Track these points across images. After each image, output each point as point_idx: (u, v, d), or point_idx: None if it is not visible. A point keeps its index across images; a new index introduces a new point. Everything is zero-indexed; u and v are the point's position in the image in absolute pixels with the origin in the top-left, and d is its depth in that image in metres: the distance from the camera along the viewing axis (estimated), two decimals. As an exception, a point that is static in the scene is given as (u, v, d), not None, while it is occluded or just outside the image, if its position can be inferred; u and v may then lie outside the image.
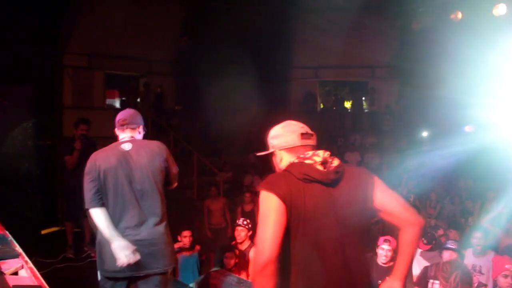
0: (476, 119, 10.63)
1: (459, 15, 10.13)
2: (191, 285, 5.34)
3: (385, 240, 4.94)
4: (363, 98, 15.79)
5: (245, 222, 6.09)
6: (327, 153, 2.41)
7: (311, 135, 2.52)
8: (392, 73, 14.27)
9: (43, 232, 7.78)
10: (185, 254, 6.16)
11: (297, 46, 14.74)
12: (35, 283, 2.63)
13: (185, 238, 6.13)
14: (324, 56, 14.18)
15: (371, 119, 14.35)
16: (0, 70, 7.51)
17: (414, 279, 5.18)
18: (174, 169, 3.82)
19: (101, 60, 11.95)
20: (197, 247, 6.37)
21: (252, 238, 6.23)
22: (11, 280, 2.60)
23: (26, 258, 3.04)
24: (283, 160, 2.48)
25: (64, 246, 7.12)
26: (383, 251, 4.84)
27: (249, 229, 6.07)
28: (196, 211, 9.62)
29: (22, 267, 2.90)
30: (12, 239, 3.47)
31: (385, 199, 2.40)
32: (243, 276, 5.46)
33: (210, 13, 12.82)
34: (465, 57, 9.89)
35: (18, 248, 3.23)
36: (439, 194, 9.99)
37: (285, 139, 2.48)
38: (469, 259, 5.96)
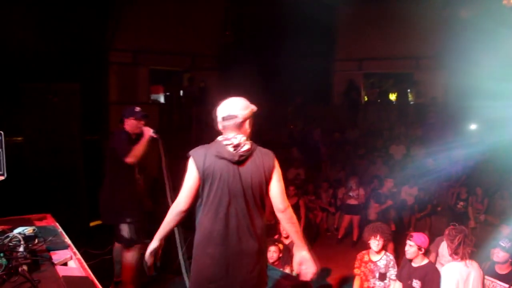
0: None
1: (512, 1, 9.74)
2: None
3: (409, 236, 4.83)
4: (408, 90, 15.45)
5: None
6: (242, 139, 3.00)
7: (232, 116, 3.04)
8: (438, 64, 13.90)
9: (91, 224, 7.99)
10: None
11: (340, 38, 14.59)
12: (83, 274, 2.70)
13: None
14: (367, 47, 13.98)
15: (416, 111, 14.03)
16: (49, 68, 7.75)
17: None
18: None
19: (145, 56, 12.13)
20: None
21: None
22: (61, 271, 2.67)
23: (75, 250, 3.12)
24: (221, 130, 3.13)
25: (112, 238, 7.28)
26: (407, 246, 4.74)
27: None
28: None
29: (71, 258, 2.98)
30: (62, 230, 3.57)
31: (273, 184, 3.10)
32: (287, 270, 5.45)
33: (253, 6, 12.82)
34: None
35: (68, 240, 3.32)
36: (488, 188, 9.68)
37: (219, 124, 3.11)
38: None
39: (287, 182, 10.35)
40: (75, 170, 6.17)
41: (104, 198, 5.00)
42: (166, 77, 13.84)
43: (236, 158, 2.97)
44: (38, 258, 2.68)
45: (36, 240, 3.02)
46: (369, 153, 12.15)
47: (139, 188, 5.01)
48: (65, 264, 2.92)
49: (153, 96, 13.87)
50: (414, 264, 4.76)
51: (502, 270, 4.73)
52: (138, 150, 4.68)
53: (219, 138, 3.06)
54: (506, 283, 4.63)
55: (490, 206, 9.22)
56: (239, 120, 3.04)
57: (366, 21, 13.40)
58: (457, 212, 9.22)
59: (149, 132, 4.76)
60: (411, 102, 15.04)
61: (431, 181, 10.57)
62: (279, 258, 5.57)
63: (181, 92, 13.13)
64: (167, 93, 13.77)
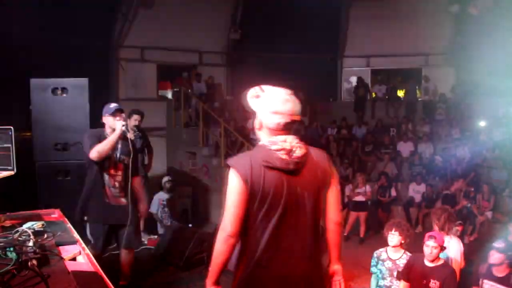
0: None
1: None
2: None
3: (430, 237, 4.76)
4: (417, 87, 15.39)
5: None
6: (295, 141, 2.46)
7: (294, 122, 2.49)
8: (446, 61, 13.84)
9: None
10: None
11: (348, 34, 14.55)
12: (92, 269, 2.72)
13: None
14: (375, 44, 13.93)
15: (424, 108, 13.97)
16: (58, 64, 7.79)
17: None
18: None
19: (154, 53, 12.17)
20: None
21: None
22: (70, 266, 2.69)
23: (83, 245, 3.14)
24: (262, 130, 2.54)
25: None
26: (428, 248, 4.66)
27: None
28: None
29: (80, 253, 3.00)
30: (71, 226, 3.59)
31: (330, 192, 2.61)
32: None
33: (261, 3, 12.80)
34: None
35: (76, 235, 3.35)
36: (497, 186, 9.63)
37: (269, 119, 2.48)
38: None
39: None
40: (84, 166, 6.17)
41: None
42: (175, 73, 13.86)
43: (292, 167, 2.42)
44: (47, 253, 2.70)
45: (45, 235, 3.05)
46: (377, 149, 12.12)
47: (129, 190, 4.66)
48: (74, 259, 2.94)
49: (161, 92, 13.89)
50: (430, 264, 4.68)
51: (499, 272, 4.68)
52: (102, 145, 4.48)
53: (263, 142, 2.49)
54: (507, 286, 4.59)
55: (498, 203, 9.17)
56: (289, 120, 2.47)
57: (374, 17, 13.35)
58: (464, 210, 9.19)
59: (119, 126, 4.54)
60: (419, 99, 14.97)
61: (439, 178, 10.55)
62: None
63: (189, 88, 13.13)
64: (175, 89, 13.80)
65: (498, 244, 4.70)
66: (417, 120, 13.26)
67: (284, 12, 12.50)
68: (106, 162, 4.67)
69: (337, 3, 13.79)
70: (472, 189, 9.29)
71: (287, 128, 2.47)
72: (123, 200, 4.77)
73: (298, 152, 2.46)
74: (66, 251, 2.96)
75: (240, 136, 10.90)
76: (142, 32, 11.49)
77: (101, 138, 4.60)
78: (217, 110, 12.32)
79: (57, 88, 5.63)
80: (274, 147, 2.43)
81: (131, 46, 11.67)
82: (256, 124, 2.56)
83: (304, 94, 13.31)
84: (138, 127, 7.20)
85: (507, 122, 11.63)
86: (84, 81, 5.79)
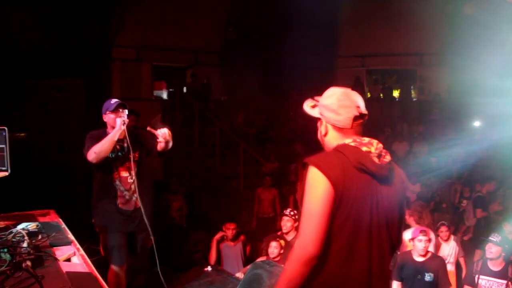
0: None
1: (514, -2, 9.71)
2: (237, 274, 5.40)
3: (421, 231, 4.82)
4: (412, 87, 15.43)
5: (292, 213, 6.07)
6: (380, 145, 2.16)
7: (364, 115, 2.23)
8: (441, 61, 13.88)
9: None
10: (229, 244, 6.22)
11: (343, 34, 14.57)
12: (86, 269, 2.72)
13: (228, 230, 6.17)
14: (371, 44, 13.96)
15: (419, 108, 14.01)
16: (53, 65, 7.77)
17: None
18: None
19: (149, 52, 12.16)
20: (242, 237, 6.42)
21: (298, 228, 6.23)
22: (65, 266, 2.69)
23: (78, 245, 3.14)
24: (329, 134, 2.24)
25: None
26: (422, 242, 4.72)
27: (295, 220, 6.05)
28: (242, 201, 9.70)
29: (74, 254, 3.00)
30: (65, 226, 3.59)
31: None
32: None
33: (256, 2, 12.81)
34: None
35: (71, 236, 3.34)
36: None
37: (336, 117, 2.18)
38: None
39: (293, 177, 10.40)
40: (79, 166, 6.18)
41: None
42: (170, 73, 13.85)
43: (385, 172, 2.12)
44: (42, 253, 2.70)
45: (40, 236, 3.04)
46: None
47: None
48: (68, 260, 2.94)
49: (156, 92, 13.88)
50: (419, 259, 4.74)
51: (496, 266, 4.72)
52: (99, 146, 4.00)
53: (348, 141, 2.15)
54: (503, 279, 4.63)
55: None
56: (357, 113, 2.22)
57: (369, 17, 13.38)
58: (460, 209, 9.22)
59: (118, 122, 4.06)
60: (414, 99, 15.02)
61: (434, 178, 10.57)
62: (280, 254, 5.59)
63: (184, 88, 13.14)
64: (170, 89, 13.78)
65: (495, 237, 4.75)
66: (412, 120, 13.30)
67: (280, 12, 12.51)
68: (117, 163, 4.27)
69: (332, 3, 13.80)
70: (468, 190, 9.33)
71: (358, 124, 2.21)
72: (137, 202, 4.33)
73: (387, 157, 2.16)
74: (61, 252, 2.95)
75: (235, 136, 10.91)
76: (137, 32, 11.47)
77: (101, 139, 4.11)
78: (212, 110, 12.33)
79: (52, 89, 5.63)
80: (364, 148, 2.10)
81: (126, 46, 11.65)
82: (322, 129, 2.27)
83: (293, 93, 13.40)
84: (134, 128, 7.20)
85: (502, 122, 11.67)
86: (79, 82, 5.79)
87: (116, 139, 4.10)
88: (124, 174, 4.33)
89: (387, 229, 2.12)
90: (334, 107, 2.19)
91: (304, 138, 12.70)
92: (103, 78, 11.23)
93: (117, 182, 4.30)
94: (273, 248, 5.55)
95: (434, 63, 14.09)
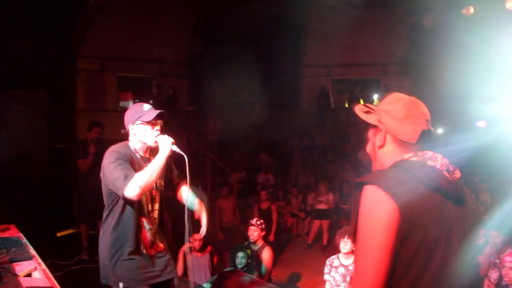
0: (488, 114, 10.55)
1: (471, 10, 10.05)
2: (204, 285, 5.36)
3: None
4: (376, 96, 15.71)
5: (258, 222, 6.09)
6: (445, 160, 1.77)
7: (432, 133, 1.86)
8: (404, 70, 14.19)
9: (58, 234, 7.87)
10: (196, 255, 6.18)
11: (309, 44, 14.73)
12: (48, 284, 2.67)
13: (195, 241, 6.14)
14: (336, 54, 14.14)
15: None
16: (14, 75, 7.61)
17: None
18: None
19: (113, 63, 12.02)
20: (209, 248, 6.39)
21: (265, 238, 6.25)
22: (25, 282, 2.63)
23: (40, 260, 3.08)
24: (386, 146, 1.86)
25: (79, 248, 7.20)
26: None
27: (262, 229, 6.07)
28: (210, 212, 9.65)
29: (36, 269, 2.94)
30: (27, 241, 3.51)
31: None
32: (255, 275, 5.47)
33: (221, 13, 12.86)
34: (477, 52, 9.79)
35: (32, 251, 3.28)
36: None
37: (402, 127, 1.80)
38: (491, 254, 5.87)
39: (258, 186, 10.44)
40: (42, 179, 6.09)
41: None
42: (135, 84, 13.73)
43: (458, 190, 1.75)
44: (0, 269, 2.63)
45: (-1, 252, 2.97)
46: (338, 158, 12.29)
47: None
48: (29, 275, 2.87)
49: (122, 103, 13.74)
50: None
51: None
52: (145, 177, 3.00)
53: (408, 156, 1.77)
54: None
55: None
56: (425, 127, 1.85)
57: (335, 27, 13.57)
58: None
59: (167, 143, 3.17)
60: (378, 107, 15.25)
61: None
62: (247, 264, 5.59)
63: (151, 99, 13.05)
64: (136, 100, 13.66)
65: None
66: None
67: (245, 24, 12.57)
68: (143, 196, 3.25)
69: (298, 14, 13.96)
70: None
71: (424, 140, 1.81)
72: (160, 245, 3.45)
73: (458, 173, 1.77)
74: (21, 267, 2.89)
75: (202, 147, 10.89)
76: (101, 43, 11.33)
77: (132, 161, 3.22)
78: (179, 121, 12.28)
79: (13, 100, 5.50)
80: (431, 163, 1.71)
81: (90, 57, 11.50)
82: (378, 140, 1.90)
83: (257, 104, 13.47)
84: (98, 139, 7.13)
85: (465, 129, 11.99)
86: (41, 93, 5.69)
87: (163, 166, 3.14)
88: (151, 208, 3.38)
89: (458, 256, 1.68)
90: (400, 116, 1.81)
91: (269, 148, 12.80)
92: (66, 89, 11.05)
93: (144, 220, 3.32)
94: (240, 258, 5.54)
95: (396, 72, 14.38)
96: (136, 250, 3.25)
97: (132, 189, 2.95)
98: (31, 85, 5.73)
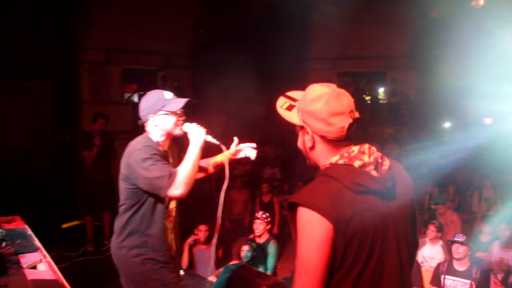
0: (495, 110, 10.46)
1: (481, 1, 9.93)
2: (209, 278, 5.35)
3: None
4: (382, 89, 15.63)
5: (264, 216, 6.07)
6: (373, 149, 1.76)
7: (357, 122, 1.79)
8: (411, 63, 14.09)
9: (63, 226, 7.88)
10: (201, 247, 6.17)
11: (315, 37, 14.66)
12: (53, 277, 2.65)
13: (201, 232, 6.11)
14: (342, 47, 14.07)
15: (389, 110, 14.18)
16: (20, 67, 7.60)
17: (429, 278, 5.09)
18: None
19: (118, 55, 12.00)
20: (214, 240, 6.36)
21: (270, 231, 6.23)
22: (30, 274, 2.62)
23: (45, 252, 3.06)
24: (317, 148, 1.79)
25: (85, 240, 7.21)
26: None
27: (268, 223, 6.05)
28: (215, 204, 9.64)
29: (41, 261, 2.92)
30: (32, 233, 3.50)
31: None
32: (260, 269, 5.45)
33: (225, 6, 12.79)
34: (486, 46, 9.68)
35: (37, 242, 3.26)
36: (461, 185, 9.85)
37: (327, 127, 1.73)
38: (496, 252, 5.84)
39: (263, 180, 10.41)
40: (47, 171, 6.09)
41: None
42: (140, 76, 13.71)
43: (388, 185, 1.71)
44: (5, 261, 2.61)
45: (4, 243, 2.95)
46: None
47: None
48: (34, 267, 2.86)
49: (127, 96, 13.73)
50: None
51: (461, 266, 4.78)
52: (187, 172, 2.75)
53: (335, 159, 1.74)
54: (467, 279, 4.68)
55: (462, 203, 9.37)
56: (351, 120, 1.77)
57: (340, 21, 13.48)
58: (430, 211, 9.36)
59: (200, 133, 2.92)
60: (384, 101, 15.19)
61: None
62: (253, 258, 5.57)
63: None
64: (141, 92, 13.64)
65: (460, 237, 4.81)
66: (382, 122, 13.44)
67: (251, 15, 12.51)
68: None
69: (303, 6, 13.88)
70: (437, 191, 9.47)
71: (352, 132, 1.76)
72: (173, 245, 3.16)
73: (386, 163, 1.74)
74: (26, 259, 2.88)
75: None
76: (106, 35, 11.30)
77: (163, 156, 2.93)
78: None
79: (18, 92, 5.48)
80: (357, 163, 1.68)
81: (95, 49, 11.48)
82: (307, 141, 1.81)
83: (270, 96, 13.46)
84: (103, 131, 7.11)
85: (470, 123, 11.92)
86: (46, 85, 5.66)
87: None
88: (169, 205, 3.08)
89: (406, 243, 1.75)
90: (324, 116, 1.72)
91: (274, 141, 12.76)
92: (71, 81, 11.04)
93: (166, 220, 3.03)
94: (246, 252, 5.53)
95: (404, 65, 14.30)
96: (170, 255, 3.02)
97: (179, 187, 2.66)
98: (36, 77, 5.71)
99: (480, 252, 6.08)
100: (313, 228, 1.60)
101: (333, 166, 1.72)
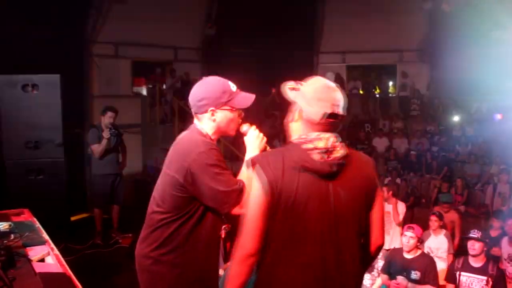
0: (508, 105, 10.36)
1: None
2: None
3: (409, 227, 4.86)
4: (391, 83, 15.53)
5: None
6: (332, 139, 1.97)
7: (338, 116, 2.01)
8: (421, 57, 13.99)
9: (72, 218, 7.92)
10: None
11: (324, 30, 14.59)
12: (60, 270, 2.66)
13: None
14: (351, 40, 13.99)
15: (399, 104, 14.10)
16: (30, 60, 7.63)
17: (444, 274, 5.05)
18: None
19: (128, 48, 12.03)
20: (222, 234, 6.36)
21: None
22: (37, 267, 2.63)
23: (52, 245, 3.07)
24: (296, 122, 2.06)
25: (93, 233, 7.25)
26: (406, 237, 4.75)
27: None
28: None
29: (48, 254, 2.93)
30: (40, 226, 3.51)
31: (375, 210, 2.11)
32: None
33: (236, -1, 12.77)
34: (498, 40, 9.58)
35: (45, 235, 3.26)
36: (470, 180, 9.80)
37: (308, 107, 2.00)
38: (505, 248, 5.80)
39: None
40: (56, 164, 6.11)
41: None
42: (149, 70, 13.73)
43: (327, 169, 1.93)
44: (14, 254, 2.63)
45: (12, 236, 2.97)
46: (352, 145, 12.19)
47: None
48: (42, 260, 2.87)
49: (136, 89, 13.76)
50: (408, 256, 4.76)
51: (477, 262, 4.73)
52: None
53: (295, 139, 2.02)
54: (484, 275, 4.64)
55: (470, 197, 9.31)
56: (340, 111, 2.01)
57: (350, 13, 13.41)
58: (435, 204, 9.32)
59: (258, 137, 2.65)
60: (394, 95, 15.10)
61: (413, 173, 10.68)
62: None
63: (164, 84, 13.04)
64: (150, 86, 13.67)
65: (475, 233, 4.76)
66: (392, 116, 13.37)
67: (260, 8, 12.46)
68: None
69: (312, 0, 13.84)
70: (447, 186, 9.41)
71: (331, 122, 1.98)
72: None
73: (338, 152, 1.96)
74: (34, 252, 2.89)
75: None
76: (116, 28, 11.33)
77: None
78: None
79: (27, 85, 5.48)
80: (306, 146, 1.95)
81: (105, 42, 11.51)
82: (292, 115, 2.08)
83: (271, 88, 13.41)
84: (112, 125, 7.14)
85: (480, 118, 11.84)
86: (55, 78, 5.65)
87: None
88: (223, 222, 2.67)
89: (350, 222, 1.99)
90: (309, 97, 2.01)
91: (283, 134, 12.73)
92: (81, 74, 11.09)
93: (216, 236, 2.59)
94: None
95: (413, 59, 14.20)
96: (214, 276, 2.59)
97: (245, 205, 2.13)
98: (46, 70, 5.71)
99: (495, 248, 6.03)
100: (259, 177, 1.95)
101: (290, 143, 2.04)
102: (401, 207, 6.64)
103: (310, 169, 1.93)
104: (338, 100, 2.02)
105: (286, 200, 1.91)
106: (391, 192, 6.65)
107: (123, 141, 7.51)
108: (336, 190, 1.96)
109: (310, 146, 1.95)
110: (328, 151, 1.95)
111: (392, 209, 6.49)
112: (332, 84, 2.09)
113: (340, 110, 2.01)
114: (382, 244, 2.18)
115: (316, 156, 1.93)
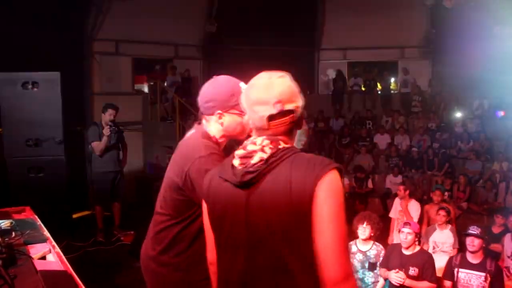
0: (510, 101, 10.33)
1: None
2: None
3: (405, 224, 4.86)
4: (392, 79, 15.49)
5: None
6: (266, 142, 1.73)
7: (284, 114, 1.75)
8: (422, 53, 13.96)
9: (74, 216, 7.91)
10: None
11: (325, 27, 14.56)
12: (62, 268, 2.64)
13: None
14: (352, 36, 13.96)
15: (401, 100, 14.07)
16: (30, 57, 7.61)
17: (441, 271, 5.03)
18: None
19: (129, 46, 12.02)
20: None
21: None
22: (39, 265, 2.61)
23: (54, 243, 3.06)
24: (253, 132, 1.85)
25: (95, 230, 7.24)
26: (403, 234, 4.74)
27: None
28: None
29: (50, 251, 2.92)
30: (41, 223, 3.50)
31: (318, 226, 1.65)
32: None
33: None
34: (501, 36, 9.54)
35: (46, 233, 3.25)
36: (471, 177, 9.77)
37: (251, 114, 1.79)
38: (508, 245, 5.79)
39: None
40: (57, 161, 6.10)
41: None
42: (150, 67, 13.72)
43: (237, 179, 1.73)
44: (15, 252, 2.62)
45: (13, 234, 2.96)
46: (354, 142, 12.18)
47: None
48: (44, 258, 2.86)
49: (137, 86, 13.75)
50: (407, 252, 4.74)
51: (475, 259, 4.71)
52: None
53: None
54: (482, 271, 4.62)
55: (472, 194, 9.30)
56: (274, 111, 1.72)
57: (351, 10, 13.37)
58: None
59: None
60: (395, 91, 15.07)
61: (415, 170, 10.66)
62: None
63: (165, 82, 13.04)
64: (151, 83, 13.66)
65: (475, 230, 4.74)
66: (393, 113, 13.34)
67: (261, 5, 12.44)
68: None
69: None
70: (449, 183, 9.39)
71: (276, 123, 1.73)
72: None
73: (256, 158, 1.71)
74: (36, 250, 2.87)
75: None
76: (116, 25, 11.32)
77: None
78: (193, 103, 12.22)
79: (27, 83, 5.47)
80: (237, 152, 1.79)
81: (106, 39, 11.50)
82: (247, 125, 1.88)
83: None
84: (113, 122, 7.13)
85: (481, 114, 11.82)
86: (55, 75, 5.64)
87: None
88: None
89: (268, 239, 1.69)
90: (250, 101, 1.77)
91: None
92: (82, 72, 11.08)
93: None
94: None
95: (415, 55, 14.18)
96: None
97: None
98: (47, 67, 5.70)
99: (494, 244, 6.02)
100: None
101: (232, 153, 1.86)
102: (416, 206, 6.63)
103: (224, 178, 1.79)
104: (279, 95, 1.74)
105: (213, 210, 1.86)
106: (407, 191, 6.65)
107: (124, 138, 7.50)
108: (250, 201, 1.72)
109: (238, 152, 1.78)
110: (246, 157, 1.74)
111: (403, 208, 6.49)
112: (272, 79, 1.81)
113: (283, 107, 1.73)
114: (341, 280, 1.61)
115: (236, 162, 1.76)
